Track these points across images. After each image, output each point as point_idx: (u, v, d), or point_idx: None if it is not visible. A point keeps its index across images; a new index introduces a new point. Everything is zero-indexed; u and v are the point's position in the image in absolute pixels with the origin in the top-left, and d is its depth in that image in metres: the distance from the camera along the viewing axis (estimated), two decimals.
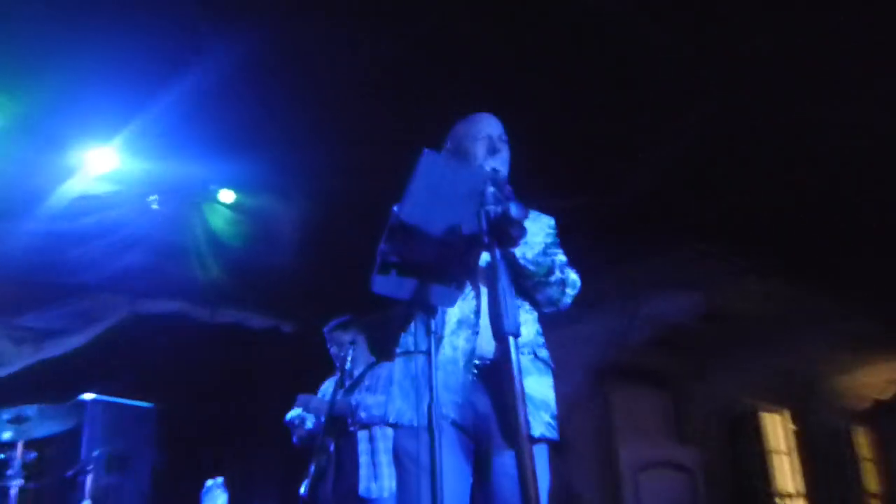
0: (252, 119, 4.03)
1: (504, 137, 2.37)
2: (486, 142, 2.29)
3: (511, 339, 1.56)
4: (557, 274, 2.22)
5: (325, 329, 4.32)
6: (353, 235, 4.78)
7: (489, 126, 2.36)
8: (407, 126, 3.87)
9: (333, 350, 4.26)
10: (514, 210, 1.64)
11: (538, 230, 2.37)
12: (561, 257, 2.35)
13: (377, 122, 4.09)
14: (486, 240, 1.65)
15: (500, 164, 2.27)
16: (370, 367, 4.25)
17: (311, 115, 4.04)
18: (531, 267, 2.16)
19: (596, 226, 4.87)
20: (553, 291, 2.22)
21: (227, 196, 4.87)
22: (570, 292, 2.27)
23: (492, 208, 1.67)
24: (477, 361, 2.15)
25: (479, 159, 2.27)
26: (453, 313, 2.20)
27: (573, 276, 2.29)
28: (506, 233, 1.65)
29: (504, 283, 1.65)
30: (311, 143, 4.29)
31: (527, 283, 2.19)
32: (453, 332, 2.18)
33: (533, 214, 2.42)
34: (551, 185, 4.27)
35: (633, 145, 4.29)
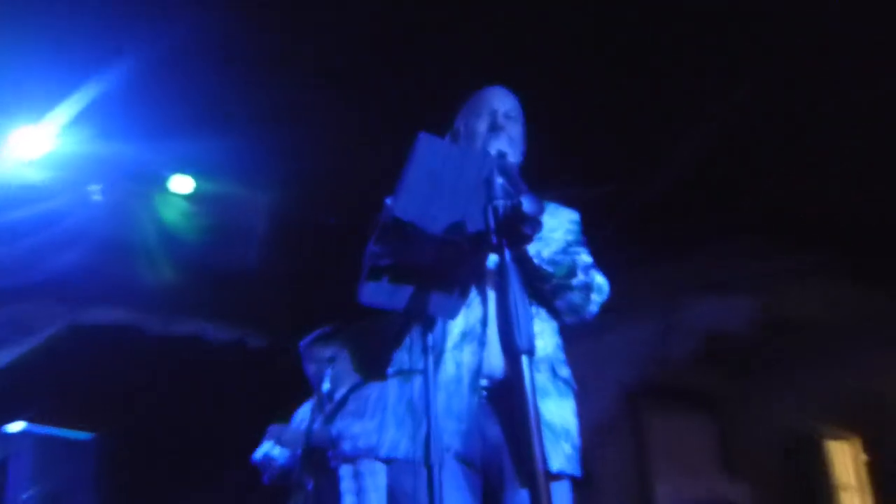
0: (212, 93, 4.06)
1: (513, 114, 2.40)
2: (489, 118, 2.34)
3: (524, 358, 1.58)
4: (580, 276, 2.23)
5: (301, 343, 4.35)
6: (334, 230, 4.85)
7: (495, 100, 2.40)
8: (400, 100, 3.92)
9: (311, 369, 4.29)
10: (527, 204, 1.64)
11: (558, 225, 2.39)
12: (585, 257, 2.36)
13: (361, 96, 4.12)
14: (494, 239, 1.67)
15: (505, 144, 2.28)
16: (354, 388, 4.29)
17: (282, 88, 4.08)
18: (548, 267, 2.18)
19: (627, 219, 4.91)
20: (575, 297, 2.24)
21: (182, 184, 4.89)
22: (597, 298, 2.28)
23: (501, 202, 1.69)
24: (485, 381, 2.17)
25: (480, 139, 2.30)
26: (456, 324, 2.22)
27: (599, 279, 2.30)
28: (517, 231, 1.66)
29: (515, 290, 1.65)
30: (283, 121, 4.31)
31: (544, 287, 2.21)
32: (456, 346, 2.19)
33: (552, 207, 2.43)
34: (574, 171, 4.35)
35: (670, 124, 4.32)
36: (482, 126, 2.34)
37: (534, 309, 2.29)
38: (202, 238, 5.22)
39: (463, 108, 2.47)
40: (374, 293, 1.89)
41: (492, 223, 1.70)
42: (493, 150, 2.17)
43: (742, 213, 5.10)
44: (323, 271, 4.95)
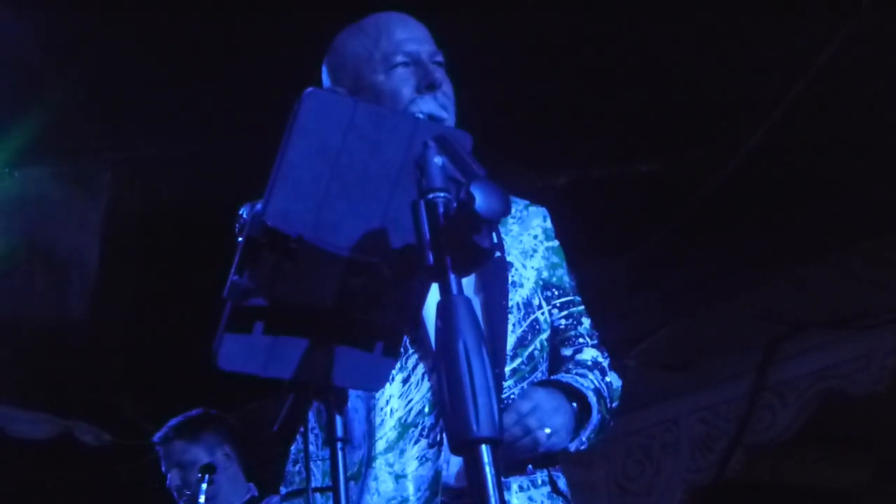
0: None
1: (440, 57, 2.40)
2: (413, 68, 2.35)
3: (485, 450, 1.51)
4: (610, 408, 2.42)
5: (156, 437, 4.32)
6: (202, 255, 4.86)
7: (407, 35, 2.39)
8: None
9: (173, 477, 4.26)
10: (482, 198, 1.57)
11: (530, 242, 2.54)
12: (586, 323, 2.56)
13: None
14: (430, 258, 1.62)
15: (438, 107, 2.31)
16: None
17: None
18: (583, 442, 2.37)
19: (699, 209, 5.11)
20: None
21: None
22: (614, 409, 2.47)
23: (441, 196, 1.64)
24: (443, 501, 2.16)
25: (403, 101, 2.30)
26: (392, 406, 2.23)
27: (615, 382, 2.50)
28: (469, 245, 1.61)
29: (468, 340, 1.57)
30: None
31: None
32: (392, 445, 2.21)
33: (515, 205, 2.57)
34: (594, 138, 4.58)
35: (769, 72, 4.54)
36: (403, 82, 2.33)
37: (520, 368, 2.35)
38: None
39: (343, 50, 2.44)
40: (240, 353, 1.80)
41: (426, 232, 1.64)
42: (420, 115, 2.19)
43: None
44: (184, 322, 4.95)
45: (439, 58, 2.42)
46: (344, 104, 1.82)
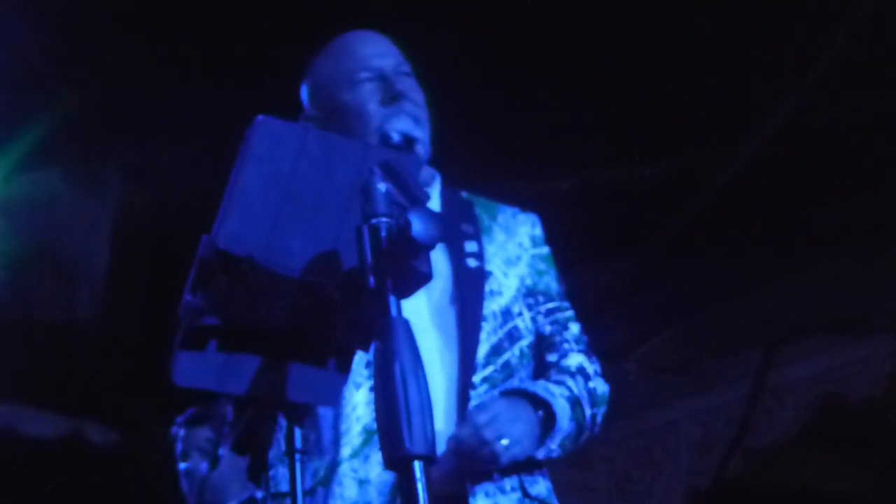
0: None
1: (405, 67, 2.44)
2: (377, 83, 2.39)
3: (417, 467, 1.55)
4: (588, 414, 2.44)
5: (178, 419, 4.39)
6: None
7: (377, 53, 2.44)
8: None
9: (186, 463, 4.34)
10: (418, 223, 1.62)
11: (515, 250, 2.53)
12: (574, 328, 2.55)
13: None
14: (370, 282, 1.65)
15: (409, 122, 2.36)
16: None
17: None
18: (552, 451, 2.38)
19: (683, 213, 5.13)
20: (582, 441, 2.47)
21: None
22: (600, 419, 2.49)
23: (384, 221, 1.67)
24: None
25: (370, 116, 2.35)
26: (358, 414, 2.29)
27: (601, 387, 2.51)
28: (408, 269, 1.66)
29: (405, 360, 1.62)
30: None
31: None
32: (357, 452, 2.27)
33: (502, 214, 2.58)
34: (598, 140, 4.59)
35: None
36: (368, 99, 2.38)
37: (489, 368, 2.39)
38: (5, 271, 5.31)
39: (316, 73, 2.49)
40: (195, 369, 1.87)
41: (368, 256, 1.67)
42: (394, 134, 2.19)
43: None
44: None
45: (405, 68, 2.46)
46: (295, 131, 1.86)
